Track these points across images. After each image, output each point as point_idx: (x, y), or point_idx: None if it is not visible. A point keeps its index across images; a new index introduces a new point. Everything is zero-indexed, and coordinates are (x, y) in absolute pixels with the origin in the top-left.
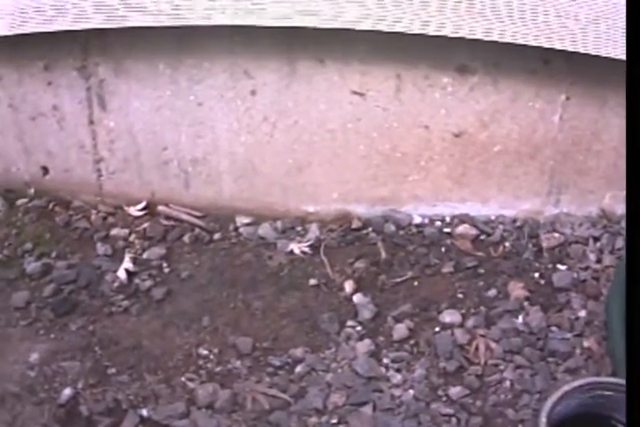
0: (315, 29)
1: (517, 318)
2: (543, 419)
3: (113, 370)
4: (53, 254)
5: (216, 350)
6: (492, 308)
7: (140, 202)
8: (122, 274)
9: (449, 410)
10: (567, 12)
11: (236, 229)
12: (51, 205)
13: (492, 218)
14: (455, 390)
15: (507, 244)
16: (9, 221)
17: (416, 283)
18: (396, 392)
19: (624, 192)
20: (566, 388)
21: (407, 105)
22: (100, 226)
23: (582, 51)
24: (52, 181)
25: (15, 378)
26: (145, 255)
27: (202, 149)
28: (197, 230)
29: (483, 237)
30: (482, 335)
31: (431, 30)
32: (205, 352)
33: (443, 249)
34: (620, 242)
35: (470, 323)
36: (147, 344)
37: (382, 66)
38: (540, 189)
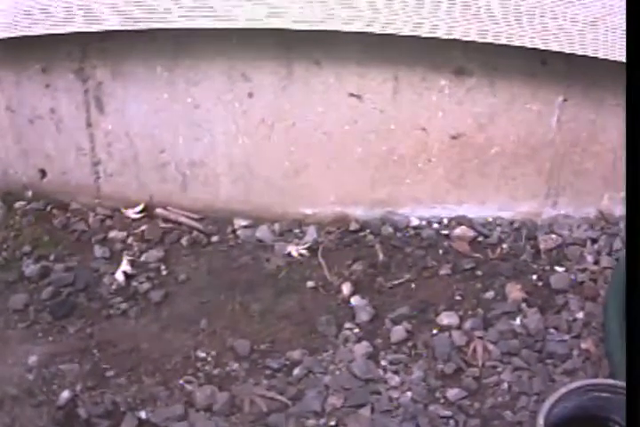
0: (311, 32)
1: (515, 319)
2: (541, 421)
3: (111, 373)
4: (52, 257)
5: (214, 353)
6: (489, 310)
7: (137, 204)
8: (120, 277)
9: (447, 412)
10: (564, 14)
11: (234, 231)
12: (49, 208)
13: (490, 220)
14: (453, 392)
15: (504, 245)
16: (7, 224)
17: (414, 285)
18: (394, 394)
19: (622, 193)
20: (564, 390)
21: (404, 107)
22: (97, 228)
23: (580, 53)
24: (50, 184)
25: (14, 381)
26: (143, 258)
27: (199, 152)
28: (195, 233)
29: (480, 238)
30: (479, 337)
31: (424, 32)
32: (203, 355)
33: (440, 251)
34: (618, 243)
35: (468, 325)
36: (145, 347)
37: (379, 68)
38: (538, 191)
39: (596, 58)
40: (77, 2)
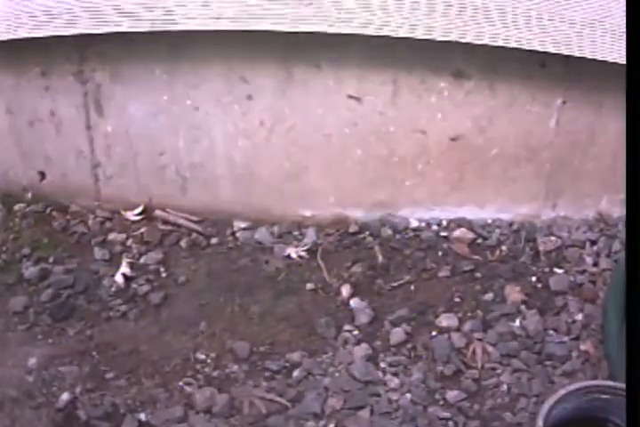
0: (311, 34)
1: (514, 321)
2: (540, 422)
3: (111, 375)
4: (51, 259)
5: (213, 355)
6: (488, 311)
7: (137, 207)
8: (119, 279)
9: (446, 414)
10: (562, 16)
11: (233, 233)
12: (48, 210)
13: (489, 222)
14: (452, 394)
15: (504, 247)
16: (7, 226)
17: (413, 287)
18: (394, 396)
19: (621, 195)
20: (563, 391)
21: (404, 109)
22: (97, 231)
23: (578, 55)
24: (50, 186)
25: (13, 383)
26: (142, 260)
27: (199, 154)
28: (194, 235)
29: (480, 240)
30: (479, 339)
31: (419, 34)
32: (203, 357)
33: (440, 253)
34: (617, 245)
35: (467, 327)
36: (144, 349)
37: (378, 70)
38: (537, 193)
39: (594, 60)
40: (82, 4)
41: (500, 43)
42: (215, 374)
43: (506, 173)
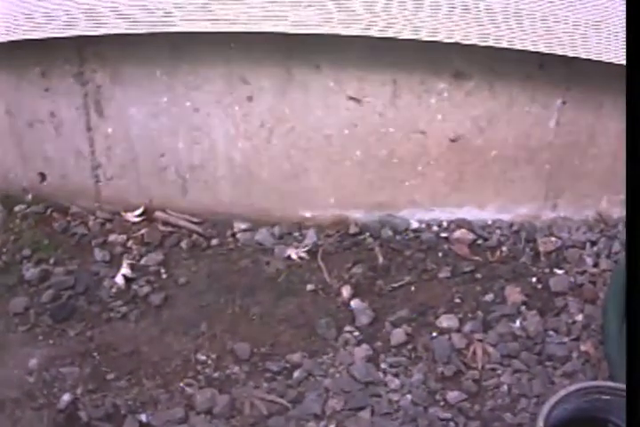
0: (311, 36)
1: (515, 322)
2: (540, 423)
3: (112, 376)
4: (51, 260)
5: (214, 356)
6: (489, 312)
7: (137, 208)
8: (120, 280)
9: (447, 415)
10: (566, 18)
11: (234, 234)
12: (48, 212)
13: (489, 222)
14: (453, 395)
15: (504, 248)
16: (7, 228)
17: (413, 288)
18: (394, 397)
19: (620, 196)
20: (563, 392)
21: (403, 110)
22: (97, 232)
23: (583, 56)
24: (50, 188)
25: (14, 384)
26: (143, 261)
27: (199, 155)
28: (195, 236)
29: (480, 241)
30: (479, 340)
31: (424, 35)
32: (204, 358)
33: (440, 254)
34: (617, 246)
35: (468, 327)
36: (145, 350)
37: (378, 71)
38: (537, 194)
39: (594, 61)
40: (80, 6)
41: (505, 44)
42: (216, 375)
43: (506, 174)
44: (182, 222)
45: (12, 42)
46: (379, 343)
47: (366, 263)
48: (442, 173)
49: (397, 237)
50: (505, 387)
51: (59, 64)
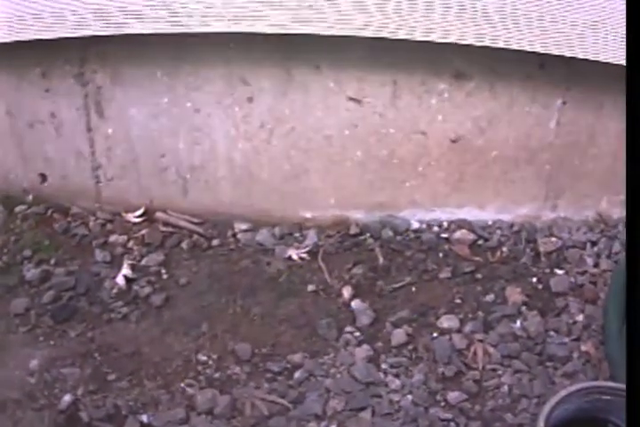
0: (311, 36)
1: (515, 322)
2: (541, 423)
3: (113, 376)
4: (52, 261)
5: (215, 356)
6: (489, 313)
7: (138, 208)
8: (120, 280)
9: (447, 415)
10: (564, 18)
11: (235, 235)
12: (49, 212)
13: (490, 223)
14: (454, 395)
15: (504, 249)
16: (7, 228)
17: (414, 288)
18: (395, 397)
19: (621, 196)
20: (564, 392)
21: (404, 111)
22: (98, 233)
23: (581, 56)
24: (51, 188)
25: (15, 384)
26: (143, 262)
27: (199, 156)
28: (195, 237)
29: (480, 242)
30: (480, 340)
31: (418, 36)
32: (204, 358)
33: (440, 254)
34: (617, 246)
35: (468, 328)
36: (146, 351)
37: (378, 72)
38: (537, 194)
39: (595, 61)
40: (90, 6)
41: (501, 44)
42: (217, 375)
43: (506, 175)
44: (183, 223)
45: (12, 42)
46: (379, 344)
47: (367, 264)
48: (442, 174)
49: (398, 238)
50: (506, 387)
51: (59, 65)
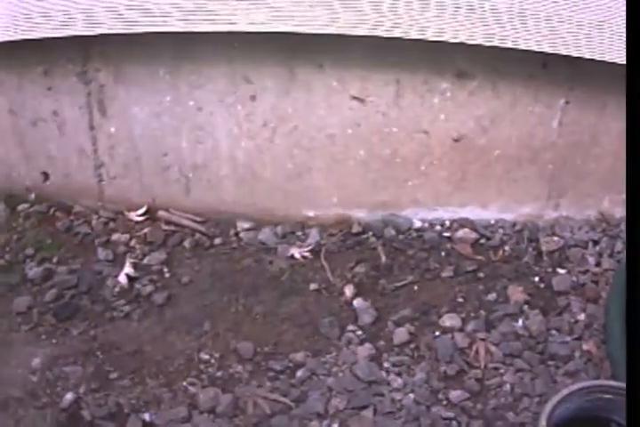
0: (313, 35)
1: (517, 321)
2: (543, 422)
3: (115, 375)
4: (55, 260)
5: (217, 355)
6: (491, 312)
7: (140, 207)
8: (123, 279)
9: (449, 414)
10: (570, 18)
11: (237, 234)
12: (52, 211)
13: (492, 222)
14: (456, 394)
15: (506, 248)
16: (10, 227)
17: (416, 287)
18: (397, 396)
19: (623, 196)
20: (566, 391)
21: (406, 110)
22: (100, 231)
23: (587, 56)
24: (53, 187)
25: (18, 383)
26: (146, 260)
27: (202, 155)
28: (198, 235)
29: (482, 241)
30: (482, 339)
31: (430, 36)
32: (207, 357)
33: (443, 253)
34: (619, 245)
35: (470, 327)
36: (148, 349)
37: (381, 71)
38: (540, 193)
39: (597, 61)
40: (78, 6)
41: (510, 44)
42: (219, 374)
43: (508, 174)
44: (185, 221)
45: (15, 41)
46: (381, 342)
47: (369, 263)
48: (445, 173)
49: (400, 237)
50: (507, 386)
51: (61, 63)
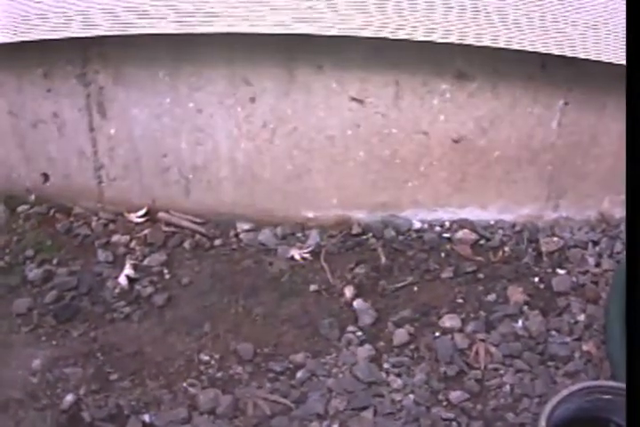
0: (313, 36)
1: (517, 322)
2: (543, 423)
3: (115, 376)
4: (54, 261)
5: (217, 356)
6: (491, 312)
7: (140, 208)
8: (123, 280)
9: (449, 414)
10: (565, 18)
11: (237, 235)
12: (51, 212)
13: (492, 223)
14: (455, 395)
15: (506, 248)
16: (10, 228)
17: (416, 288)
18: (397, 397)
19: (622, 196)
20: (566, 392)
21: (406, 111)
22: (100, 233)
23: (582, 56)
24: (53, 188)
25: (18, 384)
26: (146, 262)
27: (202, 156)
28: (198, 237)
29: (482, 241)
30: (482, 340)
31: (419, 36)
32: (207, 358)
33: (442, 254)
34: (619, 246)
35: (470, 327)
36: (148, 350)
37: (381, 72)
38: (539, 194)
39: (597, 61)
40: (75, 7)
41: (502, 44)
42: (219, 375)
43: (508, 175)
44: (185, 223)
45: (14, 43)
46: (381, 343)
47: (369, 264)
48: (444, 174)
49: (400, 238)
50: (507, 387)
51: (61, 65)
